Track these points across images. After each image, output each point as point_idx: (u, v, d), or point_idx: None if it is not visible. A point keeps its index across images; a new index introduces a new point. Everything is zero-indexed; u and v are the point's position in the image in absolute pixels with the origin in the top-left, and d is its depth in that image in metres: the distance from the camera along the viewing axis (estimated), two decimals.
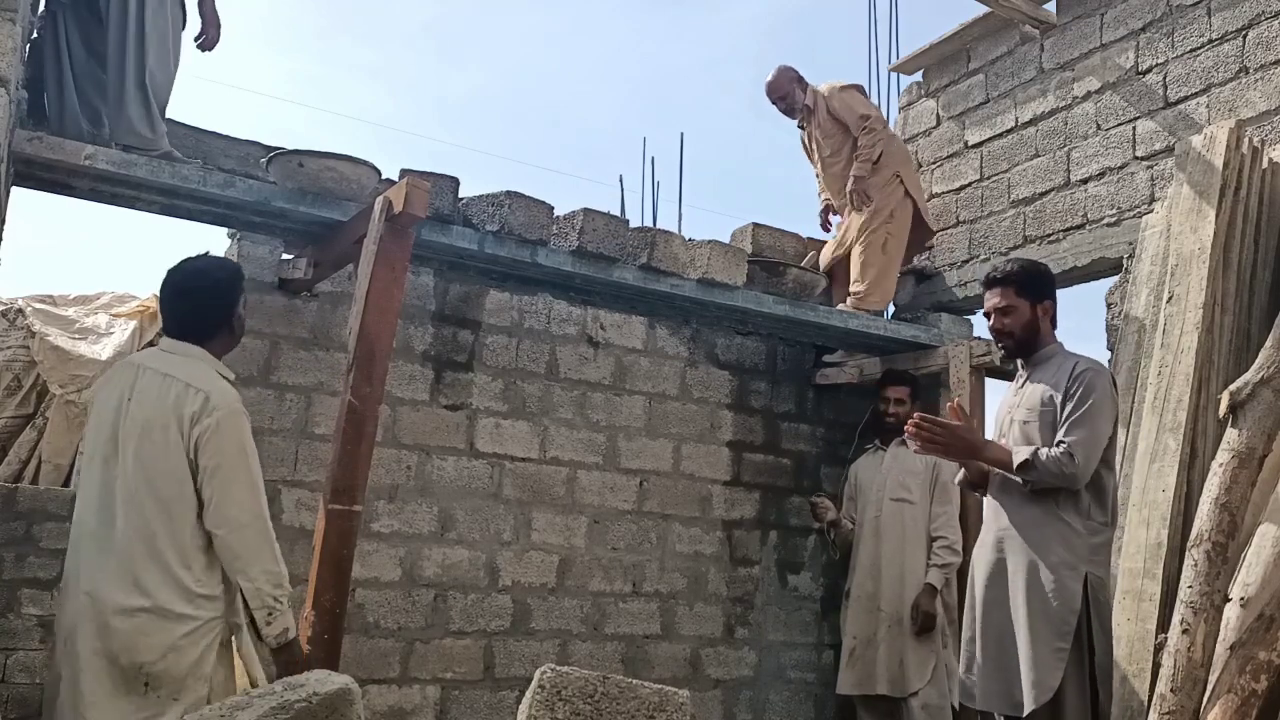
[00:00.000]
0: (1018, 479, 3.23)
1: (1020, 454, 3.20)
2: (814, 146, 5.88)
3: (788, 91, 5.72)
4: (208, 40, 4.21)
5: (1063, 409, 3.25)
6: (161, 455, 2.75)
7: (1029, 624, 3.16)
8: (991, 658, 3.25)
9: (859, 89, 5.88)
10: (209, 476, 2.76)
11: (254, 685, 2.86)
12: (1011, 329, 3.42)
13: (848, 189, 5.59)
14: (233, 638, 2.88)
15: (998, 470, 3.36)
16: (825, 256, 5.87)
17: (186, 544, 2.75)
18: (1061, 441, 3.18)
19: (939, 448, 3.30)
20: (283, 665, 2.83)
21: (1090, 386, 3.25)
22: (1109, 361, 4.48)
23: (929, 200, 5.96)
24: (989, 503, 3.43)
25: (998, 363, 5.12)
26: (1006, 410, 3.48)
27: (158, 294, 2.97)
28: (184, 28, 4.15)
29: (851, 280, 5.59)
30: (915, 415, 3.31)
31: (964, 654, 3.43)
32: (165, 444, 2.75)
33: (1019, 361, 3.52)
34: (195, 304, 2.91)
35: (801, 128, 5.93)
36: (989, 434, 3.60)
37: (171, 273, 2.95)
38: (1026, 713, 3.10)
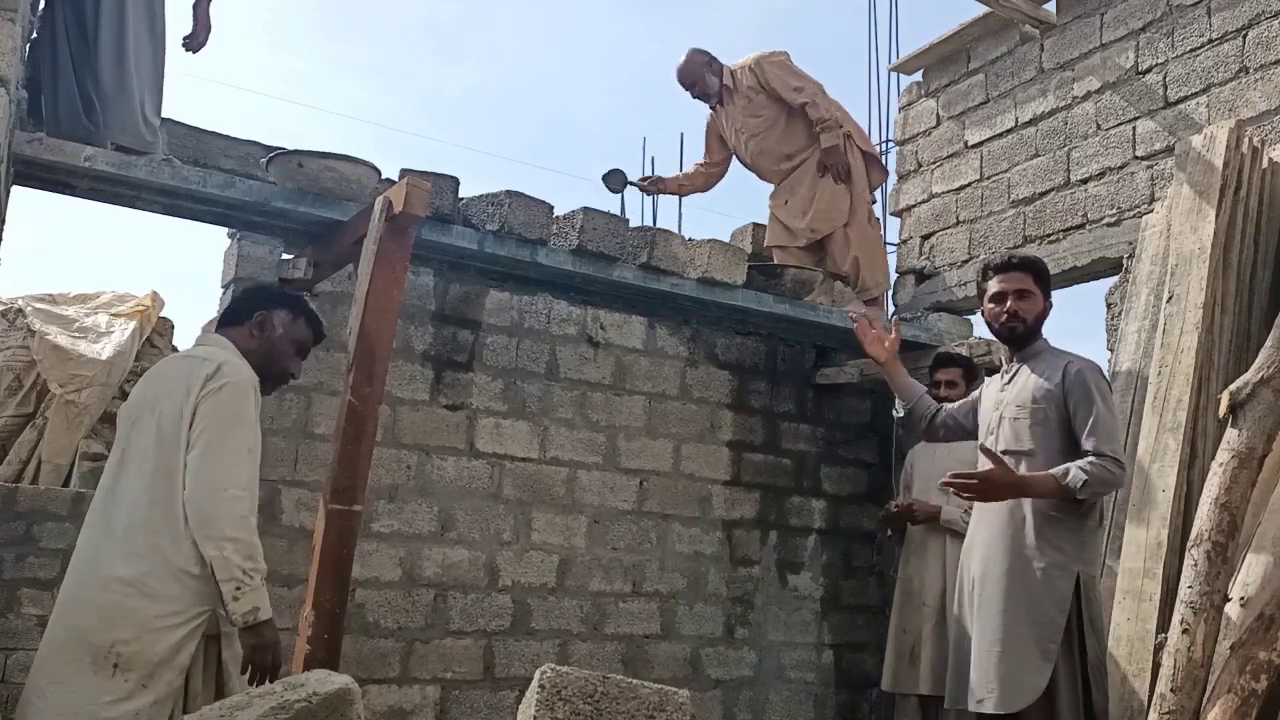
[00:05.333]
0: (1071, 498, 3.14)
1: (1073, 477, 3.11)
2: (730, 127, 5.66)
3: (699, 77, 5.54)
4: (195, 42, 4.20)
5: (1071, 413, 3.23)
6: (170, 424, 2.71)
7: (1018, 626, 3.15)
8: (983, 659, 3.22)
9: (783, 55, 5.72)
10: (197, 437, 2.68)
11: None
12: (1026, 315, 3.37)
13: (826, 164, 5.52)
14: (221, 639, 2.74)
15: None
16: (781, 236, 5.73)
17: (180, 517, 2.65)
18: (1097, 451, 3.14)
19: (981, 495, 3.21)
20: (250, 648, 2.65)
21: (1096, 387, 3.25)
22: (1109, 361, 4.49)
23: (929, 200, 5.97)
24: (980, 503, 3.41)
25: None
26: (994, 405, 3.44)
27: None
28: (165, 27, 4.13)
29: (859, 275, 5.62)
30: (949, 474, 3.20)
31: (955, 657, 3.39)
32: (174, 413, 2.72)
33: (1005, 355, 3.52)
34: (233, 299, 3.19)
35: (714, 109, 5.70)
36: (981, 431, 3.55)
37: None
38: (1012, 711, 3.09)
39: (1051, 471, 3.16)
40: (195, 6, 4.19)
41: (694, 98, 5.67)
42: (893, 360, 3.74)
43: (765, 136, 5.63)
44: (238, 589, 2.61)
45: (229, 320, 3.01)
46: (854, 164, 5.63)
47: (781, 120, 5.58)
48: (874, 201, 5.86)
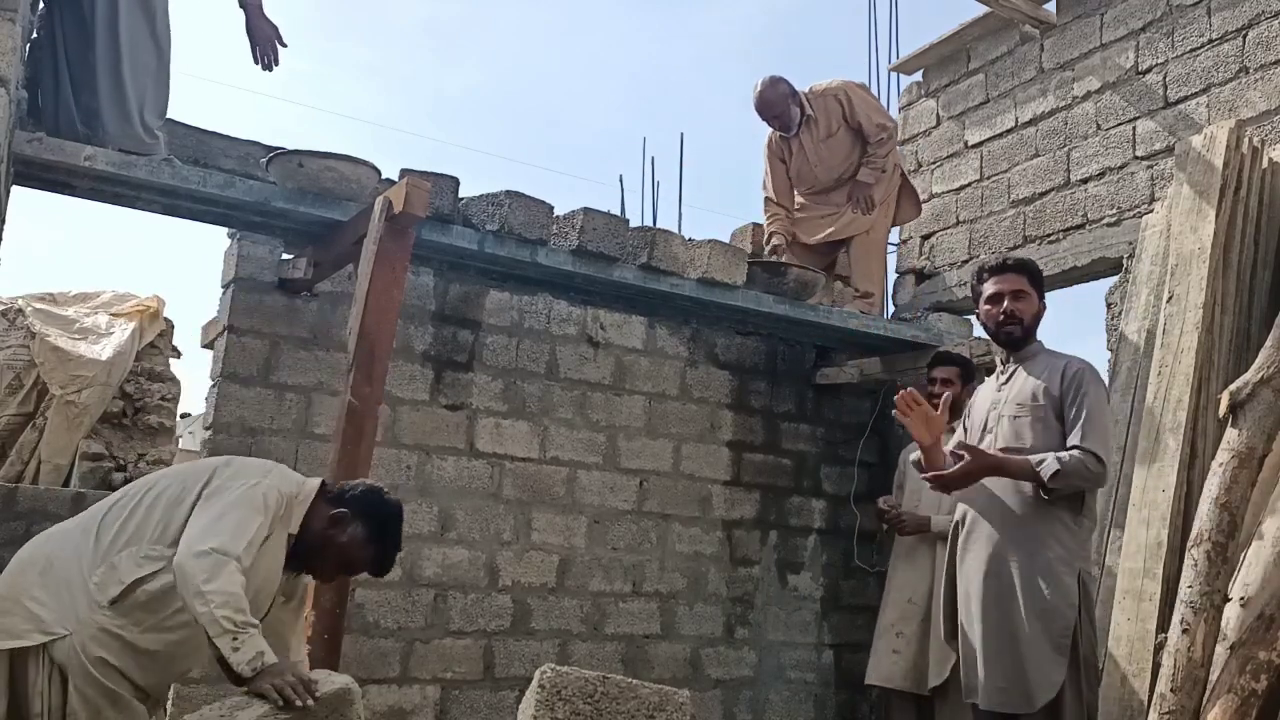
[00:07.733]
0: (1043, 485, 3.17)
1: (1046, 464, 3.14)
2: (804, 154, 5.72)
3: (782, 110, 5.60)
4: (263, 55, 4.12)
5: (1064, 410, 3.24)
6: (178, 480, 2.68)
7: (1033, 622, 3.14)
8: (996, 657, 3.21)
9: (865, 87, 5.88)
10: (210, 493, 2.58)
11: None
12: (1023, 316, 3.39)
13: (854, 194, 5.62)
14: (70, 680, 2.47)
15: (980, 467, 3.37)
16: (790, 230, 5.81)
17: (105, 547, 2.54)
18: (1077, 446, 3.16)
19: (962, 482, 3.28)
20: (274, 690, 2.38)
21: (1088, 386, 3.26)
22: (1109, 361, 4.49)
23: (929, 200, 5.98)
24: (977, 496, 3.41)
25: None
26: (990, 405, 3.45)
27: None
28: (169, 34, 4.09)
29: (859, 283, 5.66)
30: (929, 473, 3.34)
31: (963, 652, 3.39)
32: (197, 472, 2.69)
33: (1001, 356, 3.53)
34: (363, 490, 2.87)
35: (786, 138, 5.75)
36: (974, 429, 3.55)
37: None
38: (1033, 710, 3.09)
39: (1029, 457, 3.19)
40: (248, 24, 4.10)
41: (774, 128, 5.73)
42: (937, 445, 3.46)
43: (839, 168, 5.71)
44: (235, 640, 2.38)
45: (336, 493, 2.80)
46: (890, 194, 5.72)
47: (856, 153, 5.68)
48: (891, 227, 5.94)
